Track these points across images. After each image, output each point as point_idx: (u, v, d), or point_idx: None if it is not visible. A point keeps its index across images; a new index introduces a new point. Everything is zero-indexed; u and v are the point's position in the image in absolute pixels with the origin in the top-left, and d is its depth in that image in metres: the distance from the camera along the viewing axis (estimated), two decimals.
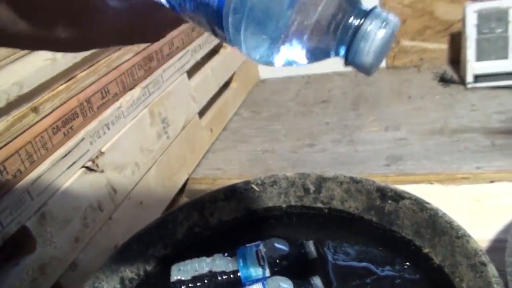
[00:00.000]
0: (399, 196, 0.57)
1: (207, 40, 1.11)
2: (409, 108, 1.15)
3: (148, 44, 0.84)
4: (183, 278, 0.55)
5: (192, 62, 1.03)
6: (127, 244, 0.59)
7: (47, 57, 0.63)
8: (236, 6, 0.25)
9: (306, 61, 0.28)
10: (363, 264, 0.56)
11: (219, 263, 0.56)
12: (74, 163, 0.66)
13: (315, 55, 0.28)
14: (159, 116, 0.88)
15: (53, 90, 0.64)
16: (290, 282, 0.50)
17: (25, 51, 0.63)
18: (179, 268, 0.56)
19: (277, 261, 0.55)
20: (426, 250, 0.55)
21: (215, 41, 1.15)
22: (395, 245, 0.57)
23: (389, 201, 0.58)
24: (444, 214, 0.53)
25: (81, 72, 0.70)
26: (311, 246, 0.57)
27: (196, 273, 0.55)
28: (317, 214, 0.64)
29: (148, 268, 0.60)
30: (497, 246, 0.66)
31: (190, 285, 0.54)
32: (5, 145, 0.56)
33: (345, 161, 0.95)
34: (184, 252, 0.61)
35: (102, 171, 0.71)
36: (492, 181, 0.82)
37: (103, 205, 0.71)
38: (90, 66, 0.71)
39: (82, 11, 0.26)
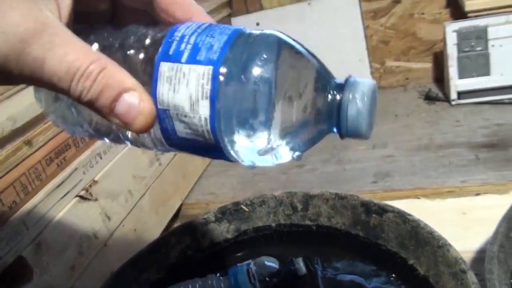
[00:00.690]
0: (382, 210, 0.59)
1: None
2: (395, 126, 1.18)
3: None
4: None
5: None
6: (121, 270, 0.61)
7: None
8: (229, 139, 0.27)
9: (305, 148, 0.30)
10: (351, 277, 0.57)
11: (212, 283, 0.58)
12: (68, 192, 0.68)
13: (313, 141, 0.30)
14: None
15: (46, 123, 0.66)
16: None
17: (18, 87, 0.65)
18: None
19: (267, 278, 0.57)
20: (411, 262, 0.57)
21: None
22: (381, 258, 0.59)
23: (374, 215, 0.60)
24: (426, 225, 0.55)
25: None
26: (300, 263, 0.59)
27: None
28: (305, 231, 0.65)
29: None
30: (483, 257, 0.67)
31: None
32: (0, 178, 0.58)
33: (334, 180, 0.97)
34: (177, 275, 0.62)
35: (96, 200, 0.73)
36: (477, 194, 0.84)
37: (98, 233, 0.73)
38: None
39: None
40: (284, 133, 0.27)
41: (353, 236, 0.62)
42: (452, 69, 1.19)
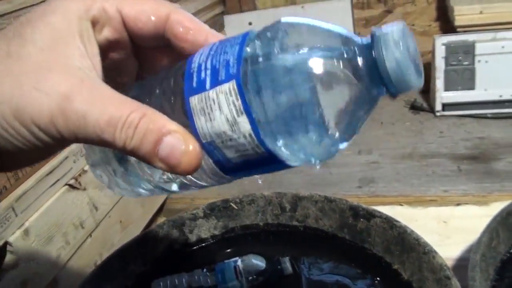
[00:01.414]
0: (370, 215, 0.61)
1: None
2: (381, 133, 1.20)
3: None
4: None
5: None
6: (108, 260, 0.61)
7: None
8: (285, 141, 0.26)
9: (360, 124, 0.29)
10: (336, 278, 0.59)
11: (198, 279, 0.58)
12: (57, 180, 0.68)
13: (366, 113, 0.28)
14: None
15: None
16: None
17: None
18: (159, 283, 0.58)
19: (254, 276, 0.57)
20: (395, 266, 0.58)
21: None
22: (367, 262, 0.60)
23: (361, 220, 0.61)
24: (412, 231, 0.56)
25: None
26: (287, 262, 0.60)
27: None
28: (293, 231, 0.66)
29: (129, 284, 0.62)
30: (461, 264, 0.69)
31: None
32: None
33: (320, 182, 0.99)
34: (163, 268, 0.62)
35: (84, 189, 0.73)
36: (458, 204, 0.86)
37: (85, 223, 0.72)
38: None
39: None
40: (334, 116, 0.26)
41: (340, 238, 0.63)
42: (439, 81, 1.21)
